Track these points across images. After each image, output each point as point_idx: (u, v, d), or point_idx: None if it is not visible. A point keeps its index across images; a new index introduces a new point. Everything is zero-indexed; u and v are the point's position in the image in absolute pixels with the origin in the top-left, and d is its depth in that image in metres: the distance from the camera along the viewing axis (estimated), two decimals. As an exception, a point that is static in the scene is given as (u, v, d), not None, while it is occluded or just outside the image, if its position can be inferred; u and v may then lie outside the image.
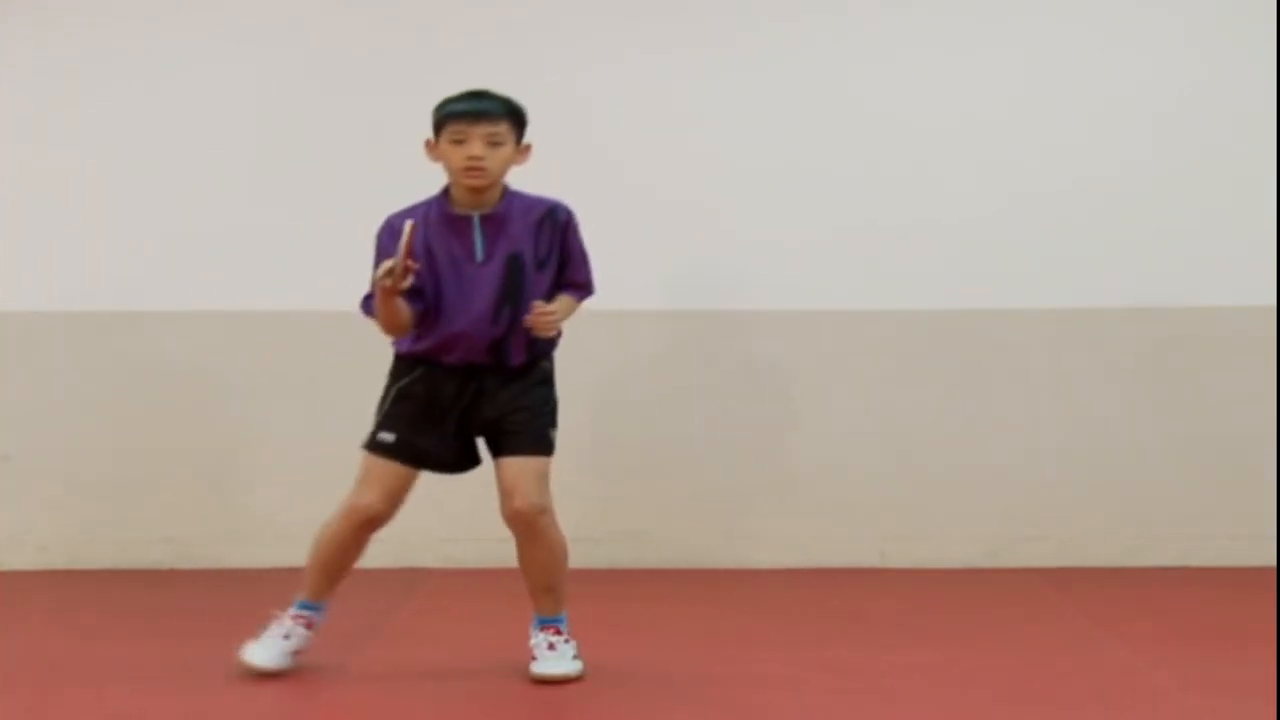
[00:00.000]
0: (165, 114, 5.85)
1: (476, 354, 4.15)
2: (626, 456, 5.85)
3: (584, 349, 5.82)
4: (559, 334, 4.24)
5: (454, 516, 5.82)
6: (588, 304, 4.34)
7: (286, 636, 4.23)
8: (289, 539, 5.83)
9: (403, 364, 4.26)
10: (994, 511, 5.84)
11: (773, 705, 3.97)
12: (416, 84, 5.82)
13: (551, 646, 4.16)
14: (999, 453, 5.84)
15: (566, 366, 5.78)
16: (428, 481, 5.93)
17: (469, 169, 4.09)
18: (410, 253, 3.93)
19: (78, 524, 5.82)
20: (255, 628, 4.86)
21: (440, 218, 4.16)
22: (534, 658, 4.17)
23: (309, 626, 4.27)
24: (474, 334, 4.13)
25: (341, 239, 5.82)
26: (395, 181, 5.78)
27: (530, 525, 4.15)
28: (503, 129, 4.11)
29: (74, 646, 4.61)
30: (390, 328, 4.14)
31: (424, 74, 5.77)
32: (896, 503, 5.84)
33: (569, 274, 4.26)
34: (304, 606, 4.28)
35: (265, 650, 4.20)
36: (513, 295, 4.14)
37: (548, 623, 4.22)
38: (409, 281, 3.97)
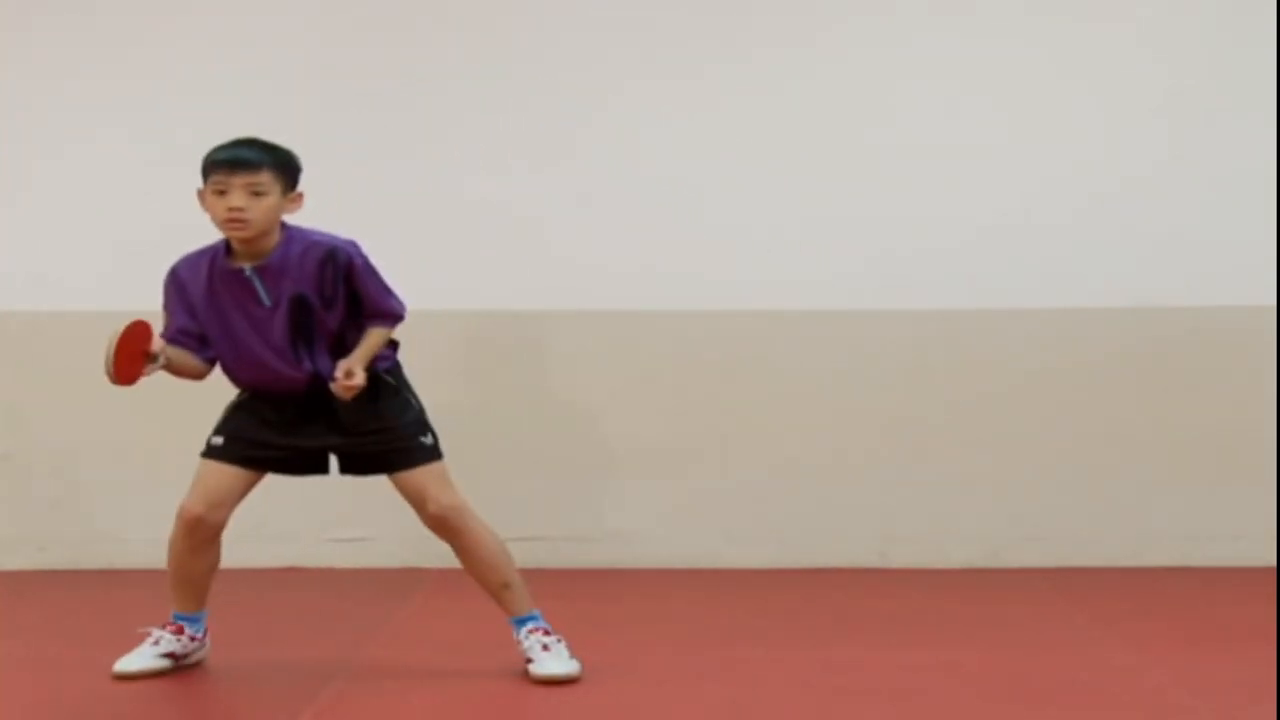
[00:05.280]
0: (168, 114, 5.85)
1: (297, 391, 4.09)
2: (625, 456, 5.84)
3: (585, 350, 5.83)
4: (394, 346, 4.20)
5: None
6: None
7: (156, 642, 4.24)
8: (288, 539, 5.85)
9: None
10: (994, 511, 5.83)
11: (772, 705, 3.97)
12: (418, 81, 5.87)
13: (546, 647, 4.14)
14: (999, 453, 5.83)
15: (571, 368, 5.81)
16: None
17: (229, 220, 3.99)
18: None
19: (78, 524, 5.81)
20: (253, 627, 4.87)
21: (221, 272, 4.07)
22: (529, 660, 4.15)
23: (179, 633, 4.26)
24: (280, 376, 4.08)
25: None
26: (394, 182, 5.83)
27: (450, 524, 4.14)
28: (264, 178, 3.97)
29: (73, 647, 4.60)
30: (184, 377, 4.15)
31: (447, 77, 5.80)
32: (896, 503, 5.83)
33: (368, 308, 4.12)
34: (176, 617, 4.30)
35: (133, 656, 4.21)
36: (306, 336, 4.07)
37: (527, 621, 4.19)
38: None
